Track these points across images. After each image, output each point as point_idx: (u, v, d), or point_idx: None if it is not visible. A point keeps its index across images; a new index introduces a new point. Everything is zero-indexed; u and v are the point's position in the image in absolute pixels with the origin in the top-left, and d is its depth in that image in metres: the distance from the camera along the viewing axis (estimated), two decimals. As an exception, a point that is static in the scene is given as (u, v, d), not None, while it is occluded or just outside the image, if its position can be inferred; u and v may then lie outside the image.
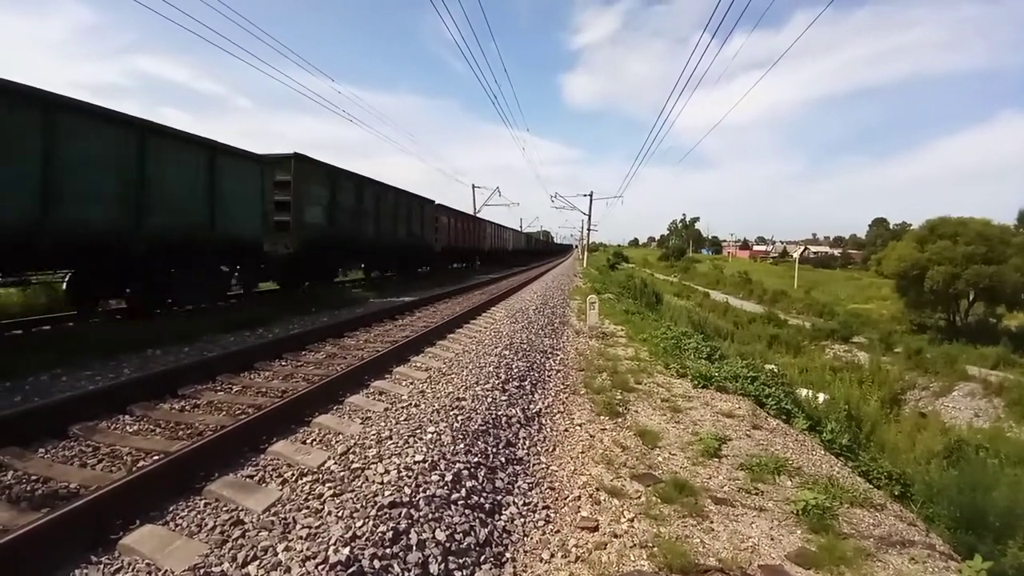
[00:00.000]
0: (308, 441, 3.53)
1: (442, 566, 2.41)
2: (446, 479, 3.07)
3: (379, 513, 2.55)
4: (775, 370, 9.73)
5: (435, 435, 3.63)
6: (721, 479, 3.87)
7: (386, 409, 4.24)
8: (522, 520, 3.09)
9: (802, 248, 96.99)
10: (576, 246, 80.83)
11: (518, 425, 4.45)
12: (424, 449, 3.36)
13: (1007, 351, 23.35)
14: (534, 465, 3.88)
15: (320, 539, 2.32)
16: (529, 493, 3.43)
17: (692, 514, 3.22)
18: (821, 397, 11.69)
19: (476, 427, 3.99)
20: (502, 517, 3.06)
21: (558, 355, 7.51)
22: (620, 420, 4.92)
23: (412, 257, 19.78)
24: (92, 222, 6.94)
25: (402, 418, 4.00)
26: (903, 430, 13.95)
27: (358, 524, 2.45)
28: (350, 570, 2.15)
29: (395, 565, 2.29)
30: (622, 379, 6.24)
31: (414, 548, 2.42)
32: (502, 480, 3.45)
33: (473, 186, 44.90)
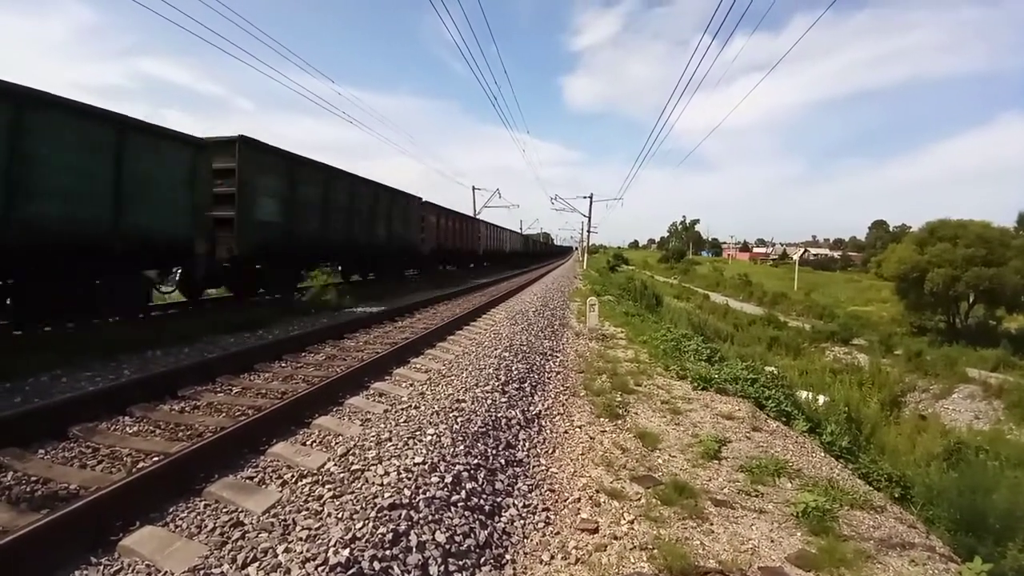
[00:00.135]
0: (308, 443, 3.53)
1: (442, 568, 2.41)
2: (446, 481, 3.07)
3: (379, 515, 2.55)
4: (775, 372, 9.73)
5: (435, 437, 3.63)
6: (721, 481, 3.87)
7: (386, 411, 4.23)
8: (522, 522, 3.09)
9: (802, 250, 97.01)
10: (576, 248, 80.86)
11: (518, 427, 4.45)
12: (424, 451, 3.36)
13: (1007, 353, 23.35)
14: (534, 467, 3.88)
15: (320, 541, 2.32)
16: (529, 495, 3.43)
17: (692, 516, 3.22)
18: (821, 399, 11.69)
19: (476, 429, 3.99)
20: (502, 519, 3.06)
21: (558, 357, 7.51)
22: (620, 422, 4.91)
23: (394, 259, 17.69)
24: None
25: (402, 420, 3.99)
26: (903, 432, 13.94)
27: (358, 526, 2.45)
28: (350, 572, 2.15)
29: (395, 567, 2.29)
30: (622, 381, 6.24)
31: (414, 550, 2.42)
32: (502, 482, 3.44)
33: (473, 188, 44.91)
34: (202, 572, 2.11)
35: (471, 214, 37.13)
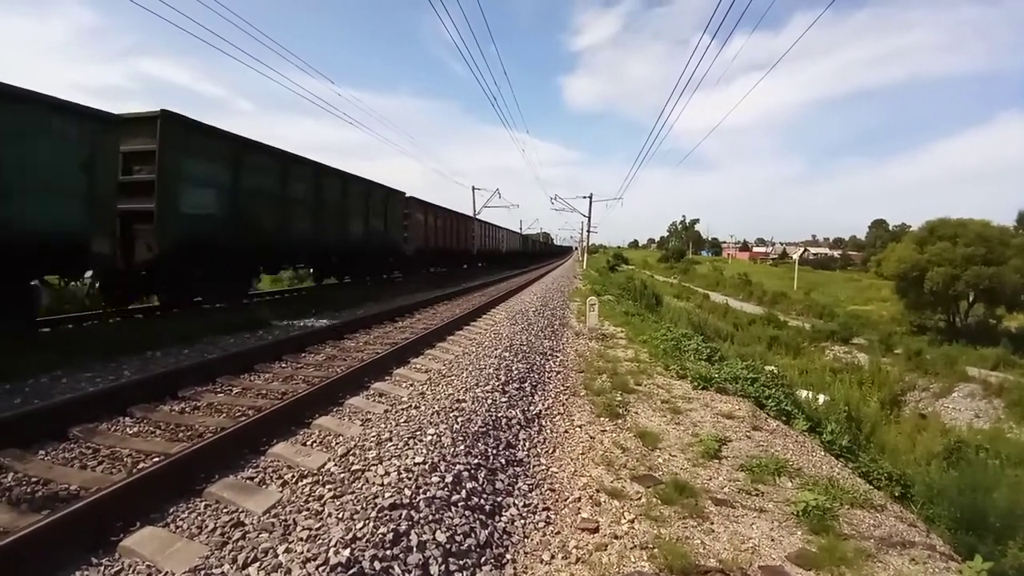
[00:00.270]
0: (308, 443, 3.53)
1: (443, 567, 2.41)
2: (446, 481, 3.07)
3: (379, 515, 2.55)
4: (775, 371, 9.73)
5: (435, 437, 3.63)
6: (721, 480, 3.87)
7: (386, 411, 4.24)
8: (522, 521, 3.09)
9: (802, 250, 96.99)
10: (576, 248, 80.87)
11: (518, 427, 4.45)
12: (424, 451, 3.36)
13: (1007, 352, 23.39)
14: (534, 467, 3.88)
15: (321, 541, 2.32)
16: (529, 494, 3.43)
17: (692, 515, 3.22)
18: (821, 398, 11.71)
19: (476, 429, 3.99)
20: (502, 518, 3.06)
21: (558, 357, 7.51)
22: (620, 421, 4.92)
23: (372, 260, 16.02)
24: None
25: (402, 420, 3.99)
26: (903, 431, 13.96)
27: (358, 526, 2.45)
28: (351, 572, 2.15)
29: (396, 567, 2.29)
30: (622, 380, 6.24)
31: (415, 550, 2.42)
32: (502, 482, 3.45)
33: (473, 188, 44.87)
34: (203, 572, 2.11)
35: (471, 214, 36.56)
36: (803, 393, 10.63)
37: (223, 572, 2.12)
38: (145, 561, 2.18)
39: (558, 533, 3.01)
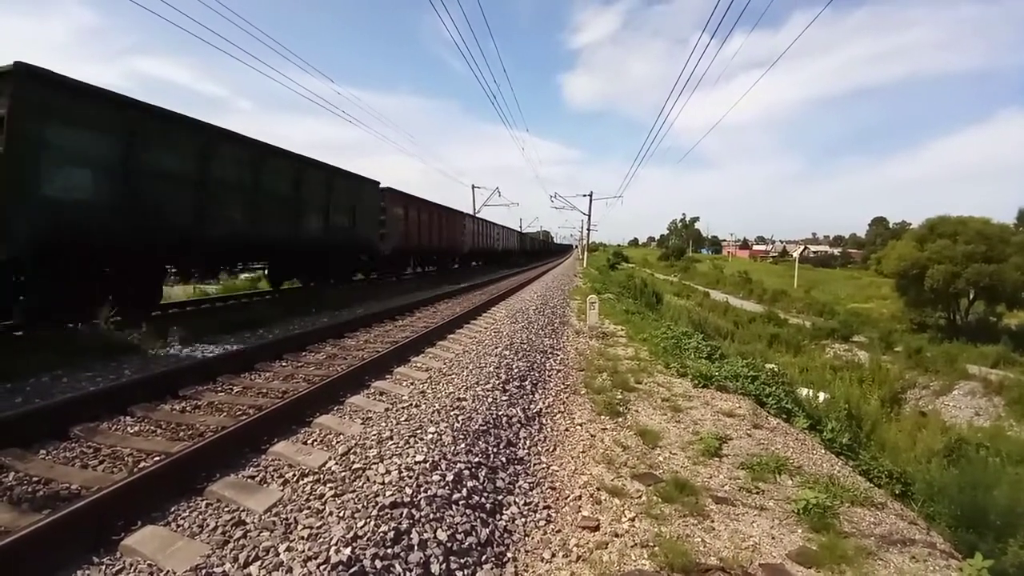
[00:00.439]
0: (309, 441, 3.53)
1: (444, 566, 2.42)
2: (447, 479, 3.07)
3: (380, 513, 2.55)
4: (775, 369, 9.74)
5: (436, 435, 3.63)
6: (722, 478, 3.88)
7: (387, 409, 4.24)
8: (523, 520, 3.09)
9: (802, 247, 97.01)
10: (576, 246, 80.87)
11: (519, 425, 4.45)
12: (425, 449, 3.37)
13: (1007, 350, 23.38)
14: (535, 465, 3.88)
15: (322, 539, 2.32)
16: (530, 493, 3.43)
17: (693, 513, 3.23)
18: (821, 396, 11.72)
19: (477, 427, 3.99)
20: (503, 517, 3.06)
21: (558, 355, 7.51)
22: (621, 420, 4.92)
23: (335, 260, 13.50)
24: None
25: (403, 418, 4.00)
26: (903, 429, 13.96)
27: (359, 524, 2.45)
28: (352, 570, 2.15)
29: (397, 565, 2.29)
30: (622, 379, 6.25)
31: (416, 548, 2.42)
32: (503, 480, 3.45)
33: (473, 186, 44.88)
34: (204, 571, 2.11)
35: (470, 212, 36.10)
36: (803, 391, 10.65)
37: (224, 571, 2.12)
38: (146, 560, 2.18)
39: (559, 531, 3.02)
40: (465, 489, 3.07)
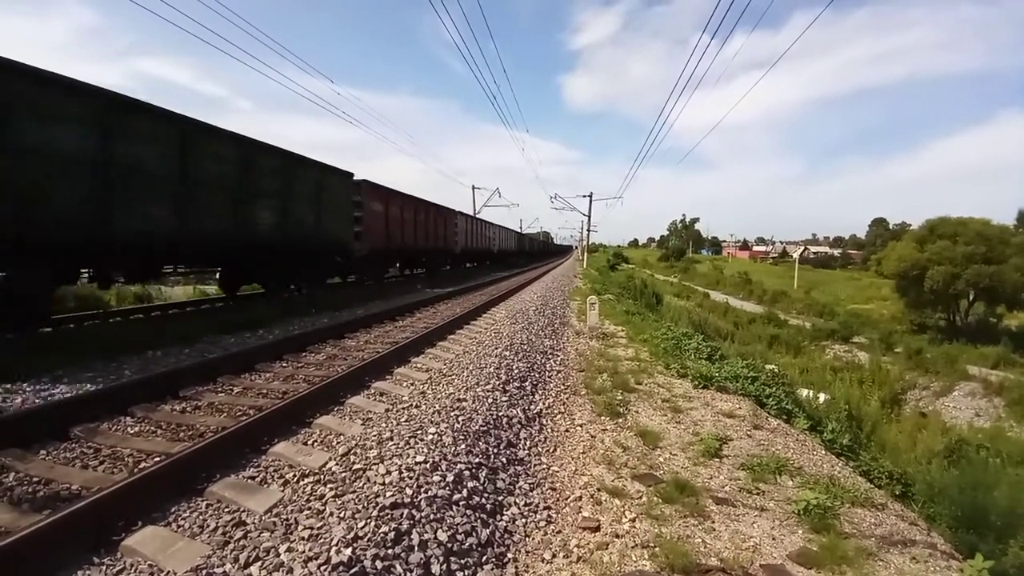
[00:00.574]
0: (309, 442, 3.53)
1: (444, 566, 2.42)
2: (447, 480, 3.07)
3: (381, 514, 2.55)
4: (775, 370, 9.73)
5: (436, 436, 3.63)
6: (722, 479, 3.87)
7: (387, 410, 4.24)
8: (524, 520, 3.09)
9: (802, 248, 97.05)
10: (576, 247, 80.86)
11: (519, 426, 4.45)
12: (425, 450, 3.36)
13: (1007, 351, 23.39)
14: (535, 465, 3.88)
15: (322, 540, 2.32)
16: (530, 493, 3.43)
17: (693, 514, 3.23)
18: (822, 397, 11.72)
19: (477, 428, 3.99)
20: (504, 517, 3.06)
21: (558, 356, 7.51)
22: (621, 420, 4.92)
23: (295, 261, 11.84)
24: None
25: (403, 419, 4.00)
26: (904, 430, 13.96)
27: (360, 525, 2.45)
28: (352, 571, 2.15)
29: (397, 566, 2.29)
30: (623, 380, 6.24)
31: (416, 549, 2.42)
32: (503, 481, 3.45)
33: (473, 187, 44.90)
34: (204, 572, 2.11)
35: (470, 212, 35.65)
36: (804, 392, 10.65)
37: (225, 571, 2.12)
38: (147, 560, 2.18)
39: (559, 532, 3.02)
40: (465, 490, 3.07)
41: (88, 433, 3.52)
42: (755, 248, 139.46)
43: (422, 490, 2.87)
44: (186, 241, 8.42)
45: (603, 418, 4.93)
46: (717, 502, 3.44)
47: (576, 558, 2.74)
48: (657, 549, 2.78)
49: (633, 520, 3.11)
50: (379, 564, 2.24)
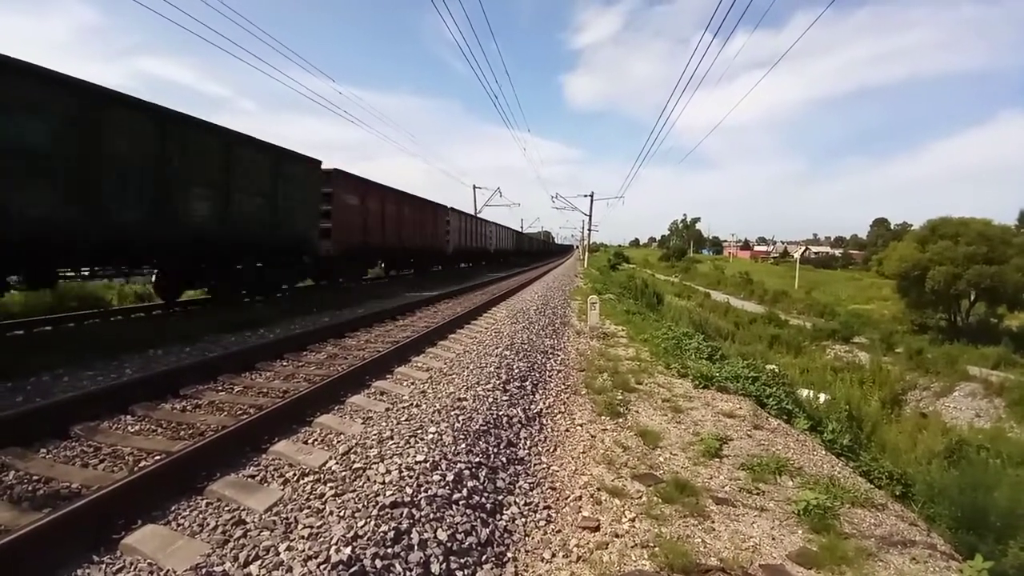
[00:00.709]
0: (310, 441, 3.53)
1: (444, 566, 2.42)
2: (447, 479, 3.07)
3: (381, 513, 2.55)
4: (776, 370, 9.73)
5: (436, 435, 3.63)
6: (722, 479, 3.87)
7: (387, 409, 4.24)
8: (523, 520, 3.09)
9: (803, 248, 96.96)
10: (577, 247, 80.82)
11: (519, 425, 4.45)
12: (425, 449, 3.37)
13: (1008, 351, 23.38)
14: (535, 465, 3.88)
15: (322, 539, 2.32)
16: (530, 493, 3.43)
17: (693, 514, 3.22)
18: (822, 397, 11.72)
19: (477, 427, 3.99)
20: (503, 517, 3.06)
21: (559, 355, 7.51)
22: (621, 420, 4.92)
23: (249, 263, 10.48)
24: None
25: (403, 418, 4.00)
26: (904, 430, 13.95)
27: (360, 524, 2.45)
28: (352, 570, 2.15)
29: (397, 565, 2.29)
30: (623, 379, 6.24)
31: (416, 548, 2.42)
32: (503, 480, 3.45)
33: (474, 187, 44.90)
34: (204, 570, 2.11)
35: (471, 212, 35.38)
36: (804, 392, 10.65)
37: (224, 570, 2.12)
38: (147, 559, 2.18)
39: (559, 531, 3.02)
40: (465, 489, 3.07)
41: (88, 432, 3.52)
42: (756, 248, 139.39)
43: (422, 489, 2.87)
44: (86, 235, 6.79)
45: (603, 418, 4.93)
46: (717, 502, 3.44)
47: (576, 558, 2.74)
48: (657, 549, 2.78)
49: (633, 520, 3.11)
50: (379, 563, 2.24)
